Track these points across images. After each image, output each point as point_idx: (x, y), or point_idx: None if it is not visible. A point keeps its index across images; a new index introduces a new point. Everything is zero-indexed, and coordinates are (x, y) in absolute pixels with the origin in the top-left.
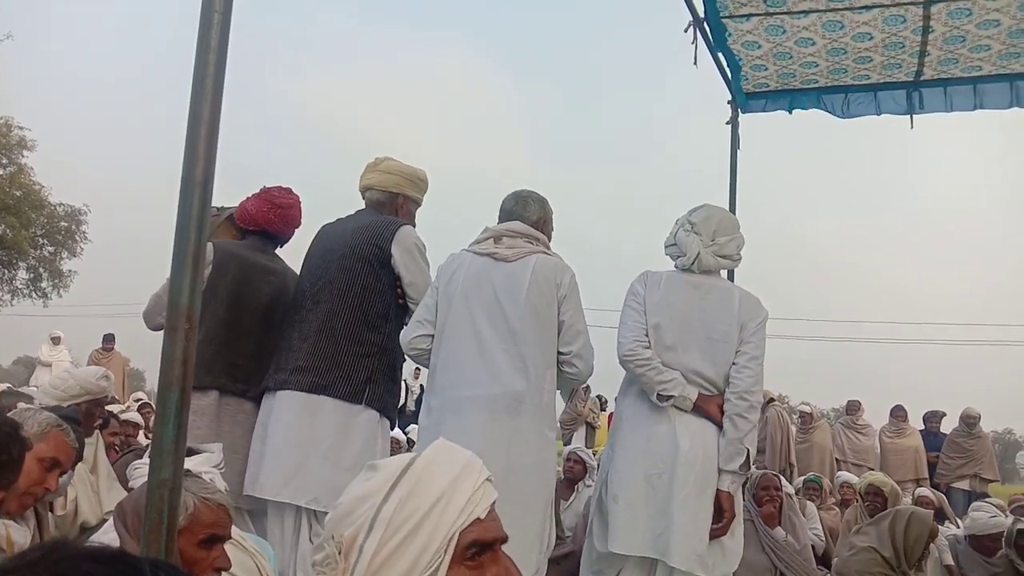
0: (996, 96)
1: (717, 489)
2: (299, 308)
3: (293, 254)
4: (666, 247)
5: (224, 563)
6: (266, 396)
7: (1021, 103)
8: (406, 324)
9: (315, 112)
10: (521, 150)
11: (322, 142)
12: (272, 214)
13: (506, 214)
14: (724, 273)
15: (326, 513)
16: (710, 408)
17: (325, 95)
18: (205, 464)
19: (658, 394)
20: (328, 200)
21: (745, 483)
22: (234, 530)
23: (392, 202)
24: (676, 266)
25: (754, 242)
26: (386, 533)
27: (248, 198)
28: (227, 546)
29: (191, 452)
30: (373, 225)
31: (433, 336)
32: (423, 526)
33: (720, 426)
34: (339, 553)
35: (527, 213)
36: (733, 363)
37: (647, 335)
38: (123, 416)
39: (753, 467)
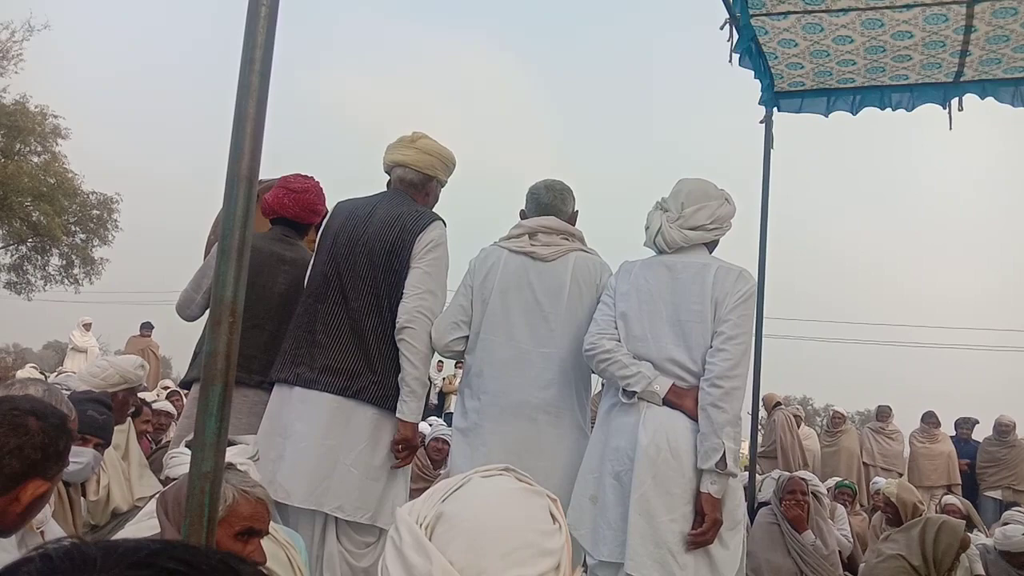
0: None
1: (699, 490)
2: (321, 298)
3: None
4: (644, 231)
5: (260, 557)
6: (281, 388)
7: None
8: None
9: (335, 105)
10: (548, 147)
11: (345, 136)
12: (287, 199)
13: (542, 207)
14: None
15: (346, 520)
16: (684, 402)
17: (349, 90)
18: (240, 456)
19: (622, 389)
20: (352, 195)
21: (750, 487)
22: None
23: (425, 185)
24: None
25: (785, 243)
26: None
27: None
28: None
29: (229, 443)
30: (403, 218)
31: (468, 337)
32: None
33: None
34: None
35: (564, 207)
36: (711, 344)
37: (615, 327)
38: (156, 405)
39: (780, 471)
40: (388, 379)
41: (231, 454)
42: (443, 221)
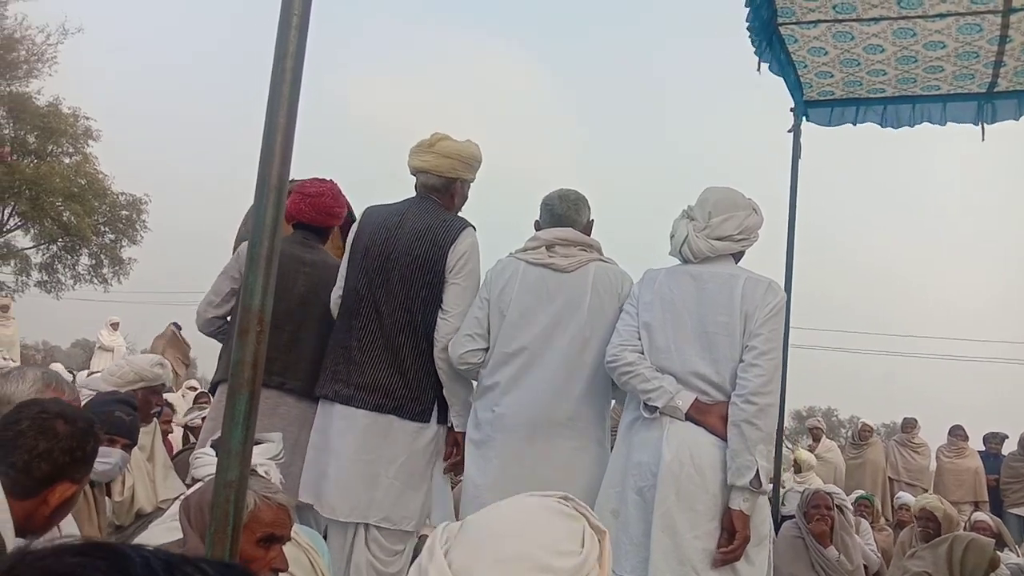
0: None
1: (728, 507)
2: (355, 314)
3: None
4: (669, 240)
5: (281, 564)
6: (324, 404)
7: None
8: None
9: (362, 110)
10: (571, 153)
11: (369, 140)
12: (304, 205)
13: (556, 218)
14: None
15: (386, 529)
16: (706, 419)
17: (373, 93)
18: (263, 455)
19: (643, 403)
20: (376, 199)
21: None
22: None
23: (449, 188)
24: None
25: (811, 253)
26: None
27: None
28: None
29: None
30: (433, 230)
31: (485, 349)
32: None
33: (724, 437)
34: None
35: (580, 217)
36: (740, 360)
37: (638, 338)
38: (188, 423)
39: (805, 485)
40: (425, 394)
41: (261, 451)
42: (472, 227)
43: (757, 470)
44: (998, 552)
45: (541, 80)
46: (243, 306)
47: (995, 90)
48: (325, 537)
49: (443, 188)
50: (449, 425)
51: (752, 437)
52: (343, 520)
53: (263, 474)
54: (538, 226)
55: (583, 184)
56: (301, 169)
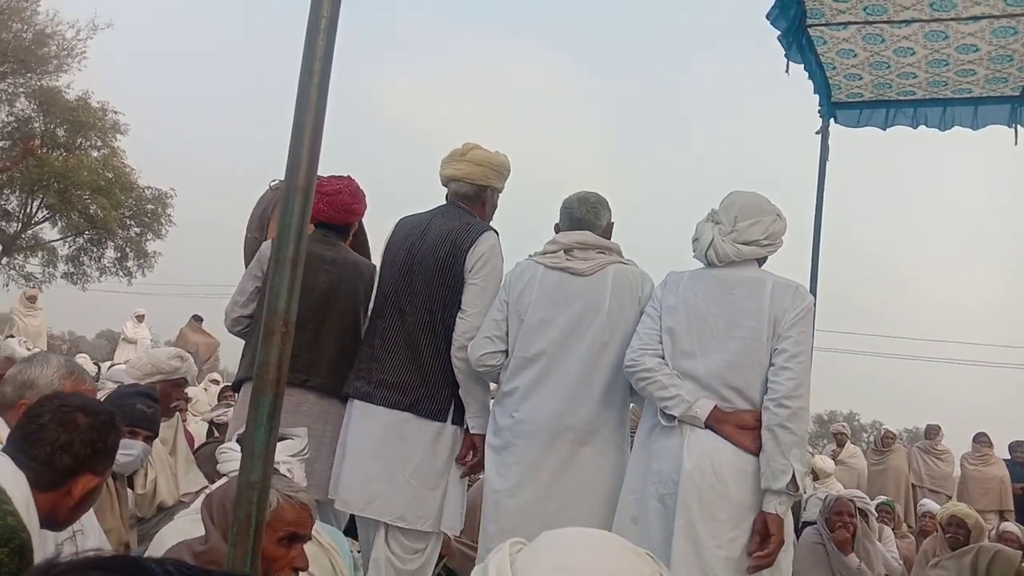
0: None
1: (762, 511)
2: (381, 314)
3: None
4: (692, 244)
5: (302, 563)
6: (350, 402)
7: None
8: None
9: (394, 111)
10: (601, 155)
11: (399, 140)
12: (322, 203)
13: (575, 222)
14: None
15: (404, 528)
16: (724, 428)
17: (405, 94)
18: (286, 452)
19: (661, 411)
20: (405, 199)
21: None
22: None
23: (480, 195)
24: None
25: (836, 255)
26: None
27: None
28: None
29: (280, 438)
30: (455, 233)
31: (504, 352)
32: None
33: (740, 446)
34: None
35: (599, 221)
36: (771, 364)
37: (660, 342)
38: (215, 419)
39: (827, 491)
40: (442, 392)
41: (284, 448)
42: (495, 231)
43: (793, 473)
44: None
45: (571, 79)
46: (268, 308)
47: None
48: (345, 532)
49: (475, 196)
50: (466, 427)
51: (786, 441)
52: (358, 514)
53: (286, 471)
54: (558, 229)
55: (611, 183)
56: (328, 167)
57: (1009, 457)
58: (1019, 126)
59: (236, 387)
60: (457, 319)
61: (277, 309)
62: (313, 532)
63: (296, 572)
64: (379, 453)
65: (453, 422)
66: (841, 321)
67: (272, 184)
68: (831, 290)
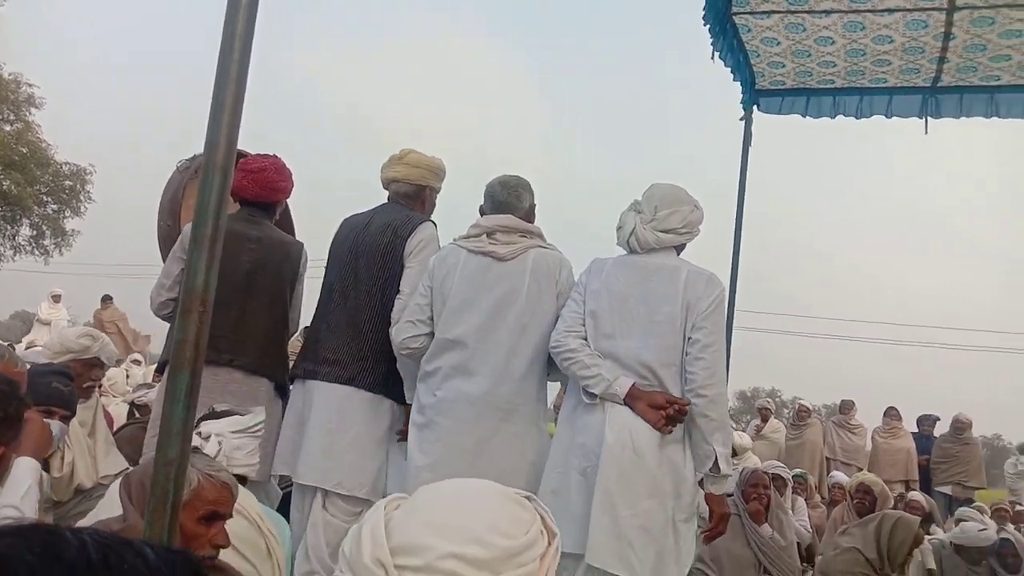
0: (1013, 106)
1: (706, 494)
2: (328, 301)
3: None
4: (616, 232)
5: (223, 540)
6: (296, 383)
7: None
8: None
9: (319, 89)
10: (534, 134)
11: (326, 120)
12: (246, 181)
13: (497, 206)
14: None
15: (339, 494)
16: (638, 405)
17: (331, 72)
18: (234, 426)
19: (583, 389)
20: (332, 177)
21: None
22: (255, 508)
23: (419, 195)
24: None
25: (760, 239)
26: None
27: None
28: (240, 525)
29: (229, 414)
30: (396, 223)
31: (427, 335)
32: None
33: (648, 423)
34: None
35: (520, 204)
36: (687, 351)
37: (583, 325)
38: (136, 400)
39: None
40: (379, 367)
41: (230, 423)
42: (434, 223)
43: (716, 457)
44: (922, 531)
45: (506, 58)
46: (186, 287)
47: (939, 85)
48: (279, 510)
49: (414, 195)
50: (406, 403)
51: (707, 428)
52: (308, 483)
53: (235, 447)
54: (482, 212)
55: (548, 161)
56: (258, 146)
57: (916, 430)
58: (929, 117)
59: (161, 369)
60: (396, 299)
61: (195, 287)
62: (255, 516)
63: (217, 549)
64: (325, 425)
65: (390, 396)
66: (766, 302)
67: (179, 165)
68: (754, 272)
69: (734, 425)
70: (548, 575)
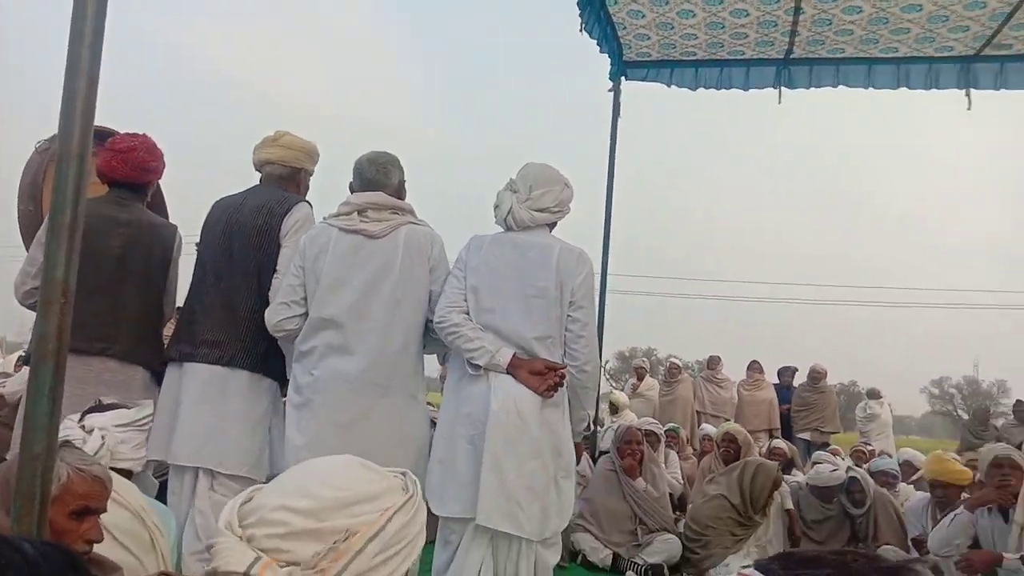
0: (856, 76)
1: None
2: (201, 284)
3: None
4: (493, 210)
5: (96, 535)
6: (171, 367)
7: (876, 84)
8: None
9: (189, 55)
10: (413, 105)
11: (199, 89)
12: (115, 161)
13: (366, 183)
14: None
15: (225, 474)
16: (519, 373)
17: (204, 39)
18: (120, 419)
19: (467, 361)
20: (207, 146)
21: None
22: (139, 501)
23: (294, 177)
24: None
25: (631, 205)
26: (384, 546)
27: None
28: (122, 517)
29: (115, 407)
30: (271, 203)
31: (301, 316)
32: (404, 553)
33: (531, 389)
34: (343, 540)
35: (389, 180)
36: (567, 329)
37: (465, 300)
38: None
39: (619, 422)
40: (257, 346)
41: (115, 416)
42: (308, 203)
43: (589, 420)
44: (781, 474)
45: (385, 26)
46: (45, 278)
47: (791, 56)
48: (158, 497)
49: (289, 177)
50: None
51: (586, 398)
52: (186, 464)
53: (120, 440)
54: (352, 189)
55: (425, 131)
56: (127, 122)
57: (778, 381)
58: (784, 87)
59: (27, 360)
60: (273, 279)
61: (55, 279)
62: (138, 508)
63: (90, 545)
64: (203, 406)
65: (269, 375)
66: (649, 266)
67: (38, 146)
68: (639, 237)
69: (614, 384)
70: (399, 530)
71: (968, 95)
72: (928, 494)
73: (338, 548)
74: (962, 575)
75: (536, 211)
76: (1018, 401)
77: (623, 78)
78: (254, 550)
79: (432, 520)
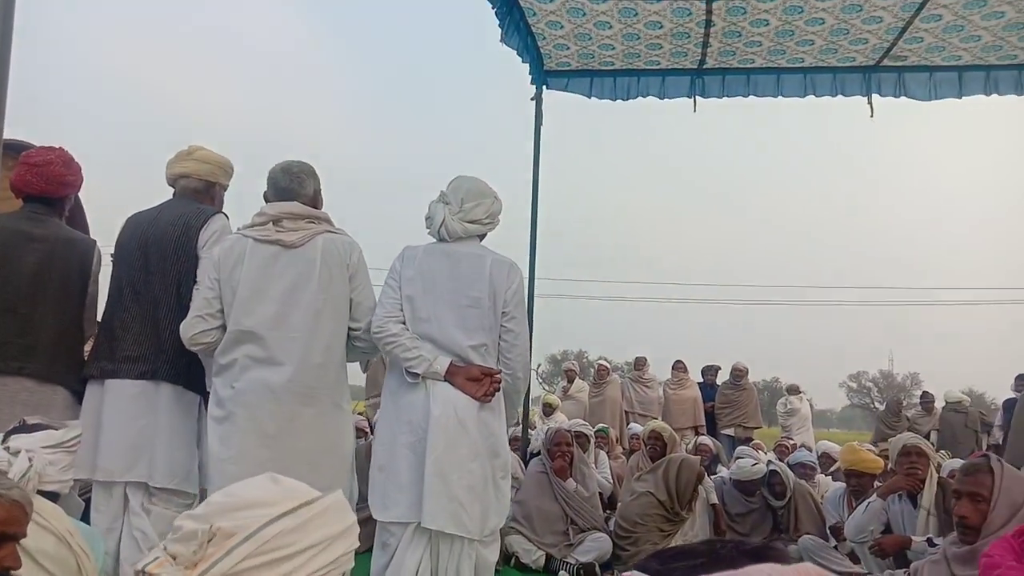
0: (766, 86)
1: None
2: (118, 299)
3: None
4: (425, 221)
5: (13, 562)
6: (91, 384)
7: (785, 93)
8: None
9: (100, 66)
10: (335, 120)
11: (113, 102)
12: (30, 175)
13: (281, 192)
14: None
15: (153, 488)
16: (456, 379)
17: (133, 58)
18: (48, 440)
19: (406, 370)
20: (122, 159)
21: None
22: (65, 524)
23: (209, 191)
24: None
25: (558, 212)
26: (258, 549)
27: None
28: (47, 542)
29: (41, 427)
30: (187, 215)
31: (218, 328)
32: (290, 561)
33: (468, 395)
34: (208, 541)
35: (304, 190)
36: (502, 339)
37: (401, 310)
38: None
39: (548, 425)
40: (181, 359)
41: (42, 438)
42: (225, 215)
43: (517, 418)
44: (703, 468)
45: (308, 36)
46: None
47: (704, 67)
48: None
49: (204, 190)
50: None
51: (517, 401)
52: (117, 480)
53: (48, 462)
54: (266, 198)
55: (350, 145)
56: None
57: (702, 380)
58: (698, 96)
59: None
60: (194, 292)
61: None
62: (64, 532)
63: (7, 571)
64: (130, 421)
65: (192, 388)
66: (576, 271)
67: None
68: (572, 243)
69: (546, 388)
70: (280, 535)
71: (870, 102)
72: (844, 484)
73: (205, 547)
74: (876, 559)
75: (468, 223)
76: (924, 392)
77: (544, 87)
78: (162, 552)
79: (371, 528)
